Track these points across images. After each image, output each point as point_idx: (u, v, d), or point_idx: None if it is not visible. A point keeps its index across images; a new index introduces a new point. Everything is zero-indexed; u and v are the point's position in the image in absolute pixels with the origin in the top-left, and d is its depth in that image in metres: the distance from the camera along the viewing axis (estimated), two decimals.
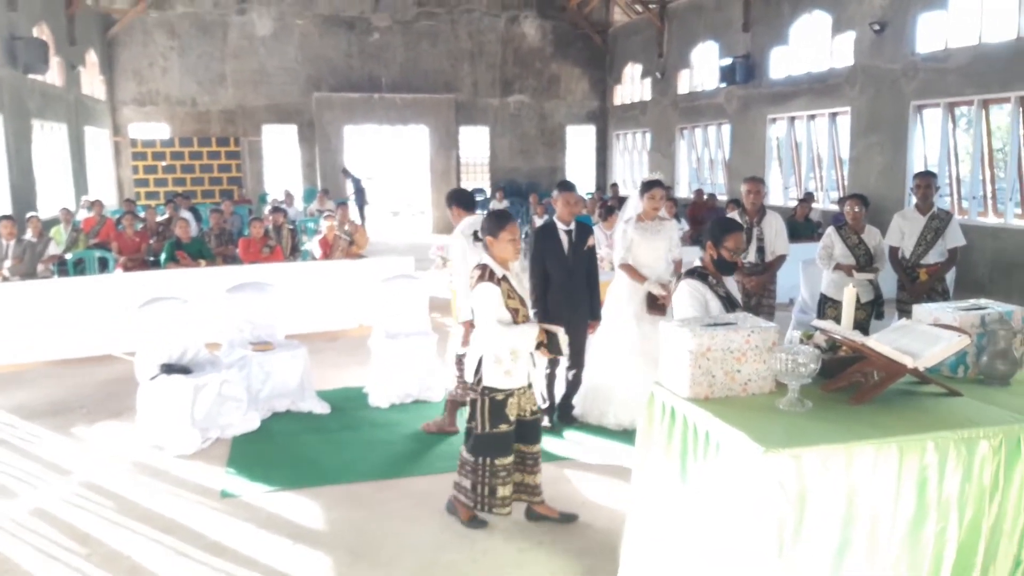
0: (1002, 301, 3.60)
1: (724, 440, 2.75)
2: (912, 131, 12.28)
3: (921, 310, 3.49)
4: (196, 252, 9.37)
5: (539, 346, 4.09)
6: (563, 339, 4.10)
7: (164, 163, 19.57)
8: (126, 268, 9.89)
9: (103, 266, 9.95)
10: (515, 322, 4.02)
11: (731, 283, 4.15)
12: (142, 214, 12.39)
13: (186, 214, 12.21)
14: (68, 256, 10.08)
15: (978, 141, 11.44)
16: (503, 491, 4.18)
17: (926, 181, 6.44)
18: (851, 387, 3.13)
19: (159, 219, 11.90)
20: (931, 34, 11.95)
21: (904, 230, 6.46)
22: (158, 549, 4.16)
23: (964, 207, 11.71)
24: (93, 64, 18.54)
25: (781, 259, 6.37)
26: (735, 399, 3.03)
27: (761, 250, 6.34)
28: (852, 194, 6.75)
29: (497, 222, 4.06)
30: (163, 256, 9.35)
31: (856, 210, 6.41)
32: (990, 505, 2.74)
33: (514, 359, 4.04)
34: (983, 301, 3.55)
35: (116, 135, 19.84)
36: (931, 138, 12.20)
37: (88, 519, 4.52)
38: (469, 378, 4.18)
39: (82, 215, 12.93)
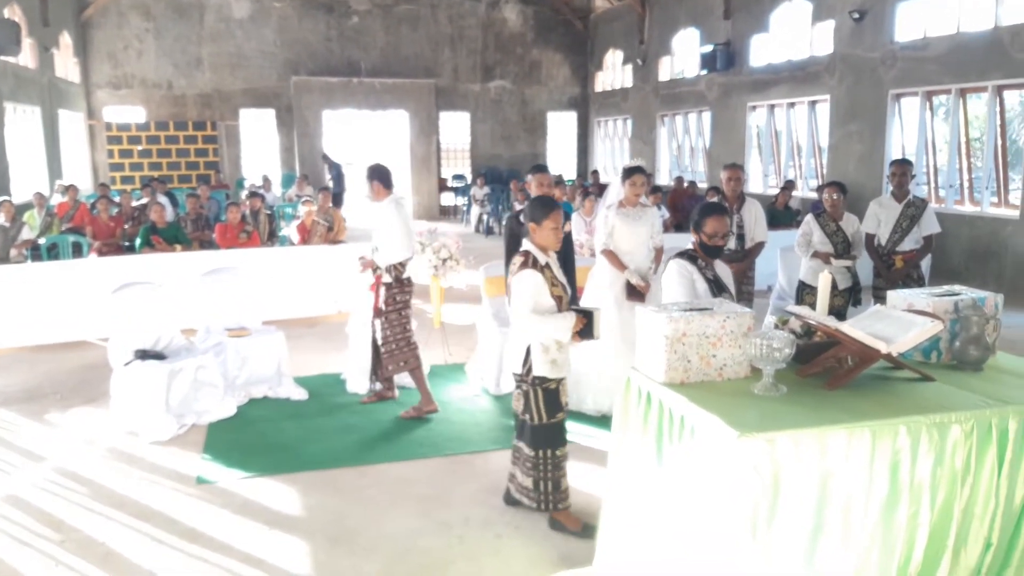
0: (978, 288, 3.63)
1: (699, 424, 2.76)
2: (890, 119, 12.36)
3: (895, 296, 3.52)
4: (172, 237, 9.28)
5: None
6: (597, 320, 3.97)
7: (140, 147, 19.33)
8: (100, 253, 9.78)
9: (77, 251, 9.82)
10: (559, 310, 3.92)
11: (723, 268, 4.14)
12: (117, 198, 12.25)
13: (163, 199, 12.08)
14: (41, 241, 9.95)
15: (955, 130, 11.52)
16: (565, 483, 4.12)
17: (902, 169, 6.47)
18: (826, 372, 3.15)
19: (134, 203, 11.77)
20: (910, 23, 12.01)
21: (880, 217, 6.49)
22: (133, 535, 4.13)
23: (941, 195, 11.81)
24: (67, 46, 18.25)
25: (760, 246, 6.42)
26: (711, 384, 3.04)
27: (741, 237, 6.37)
28: (830, 181, 6.78)
29: (542, 209, 3.96)
30: (138, 241, 9.25)
31: (834, 197, 6.43)
32: (962, 488, 2.77)
33: (559, 348, 3.96)
34: (957, 287, 3.58)
35: (91, 118, 19.57)
36: (909, 127, 12.28)
37: (62, 505, 4.48)
38: (517, 369, 4.04)
39: (56, 199, 12.75)
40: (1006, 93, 10.83)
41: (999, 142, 10.97)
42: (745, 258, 6.34)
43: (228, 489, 4.67)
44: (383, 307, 5.73)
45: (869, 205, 6.67)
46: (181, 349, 5.98)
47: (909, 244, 6.42)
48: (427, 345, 6.68)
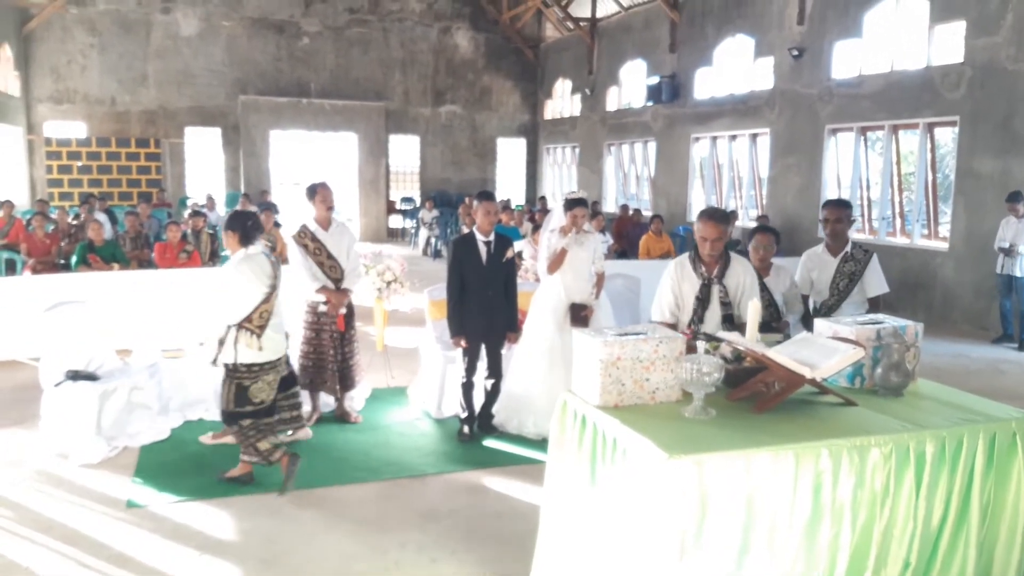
0: (908, 318, 3.73)
1: (631, 446, 2.81)
2: (826, 153, 12.75)
3: (821, 324, 3.62)
4: (109, 255, 9.08)
5: None
6: None
7: (80, 163, 18.93)
8: (35, 271, 9.53)
9: (11, 268, 9.58)
10: None
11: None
12: (54, 215, 11.97)
13: (101, 216, 11.84)
14: None
15: (888, 165, 11.94)
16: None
17: (836, 214, 5.10)
18: (754, 396, 3.23)
19: (70, 220, 11.51)
20: (846, 61, 12.46)
21: (813, 277, 5.21)
22: (59, 560, 4.01)
23: (875, 227, 12.20)
24: (7, 59, 17.86)
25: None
26: (643, 407, 3.09)
27: (729, 318, 4.21)
28: (760, 227, 5.46)
29: None
30: (74, 259, 9.04)
31: (761, 252, 5.04)
32: (881, 510, 2.85)
33: None
34: (880, 316, 3.70)
35: (30, 133, 19.12)
36: (844, 161, 12.68)
37: None
38: None
39: None
40: (937, 130, 11.26)
41: (930, 177, 11.39)
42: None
43: (159, 513, 4.57)
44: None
45: (801, 259, 5.40)
46: (115, 370, 5.85)
47: (849, 309, 4.91)
48: (370, 368, 6.64)
